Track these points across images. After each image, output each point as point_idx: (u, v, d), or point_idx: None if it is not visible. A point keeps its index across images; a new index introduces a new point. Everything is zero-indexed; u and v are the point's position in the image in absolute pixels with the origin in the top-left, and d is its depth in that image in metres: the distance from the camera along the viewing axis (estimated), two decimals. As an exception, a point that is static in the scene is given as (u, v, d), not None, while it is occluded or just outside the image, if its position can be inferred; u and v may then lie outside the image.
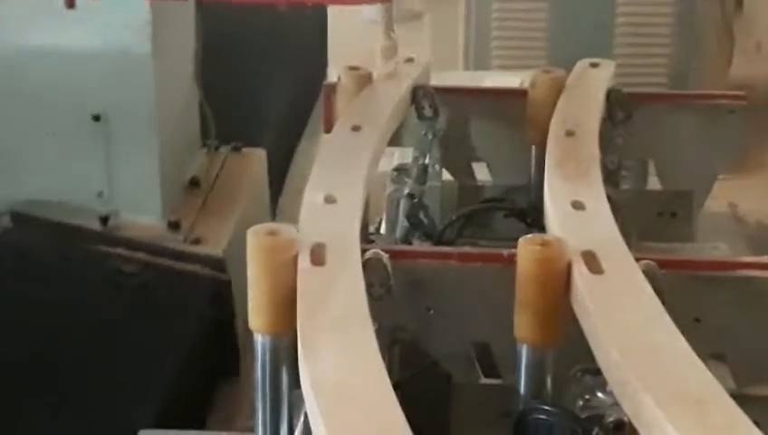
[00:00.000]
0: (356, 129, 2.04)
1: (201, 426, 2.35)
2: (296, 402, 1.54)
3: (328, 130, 2.21)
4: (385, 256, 1.65)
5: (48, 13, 2.56)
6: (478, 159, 2.35)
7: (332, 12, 4.05)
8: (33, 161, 2.66)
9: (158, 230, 2.63)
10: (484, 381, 1.81)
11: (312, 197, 1.78)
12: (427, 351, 1.72)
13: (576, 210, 1.78)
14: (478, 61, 4.59)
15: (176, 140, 2.75)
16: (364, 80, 2.23)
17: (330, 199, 1.77)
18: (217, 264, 2.54)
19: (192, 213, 2.73)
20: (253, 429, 1.60)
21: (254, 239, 1.54)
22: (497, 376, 1.78)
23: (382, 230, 2.26)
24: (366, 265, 1.62)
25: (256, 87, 3.22)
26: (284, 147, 3.25)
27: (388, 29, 4.98)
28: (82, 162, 2.66)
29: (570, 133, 2.03)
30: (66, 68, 2.61)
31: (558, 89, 2.19)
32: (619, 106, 2.18)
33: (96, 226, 2.64)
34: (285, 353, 1.57)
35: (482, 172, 2.37)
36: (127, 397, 2.21)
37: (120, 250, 2.54)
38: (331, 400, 1.30)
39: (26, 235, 2.55)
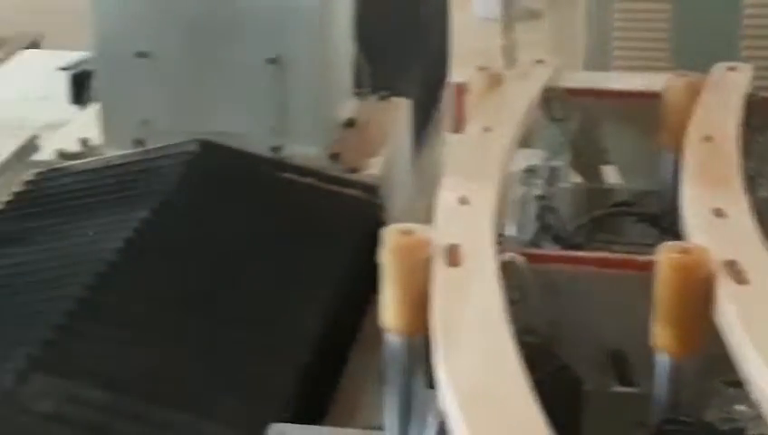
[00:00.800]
0: (488, 130, 1.54)
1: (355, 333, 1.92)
2: (428, 402, 1.14)
3: (455, 128, 1.74)
4: (520, 259, 1.13)
5: None
6: (608, 162, 1.81)
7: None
8: (217, 97, 2.25)
9: (322, 161, 2.23)
10: (617, 389, 1.32)
11: (446, 197, 1.28)
12: (557, 355, 1.20)
13: (717, 218, 1.26)
14: (598, 61, 3.91)
15: (336, 85, 2.34)
16: (495, 80, 1.69)
17: (464, 201, 1.27)
18: (372, 189, 2.19)
19: (349, 147, 2.30)
20: (383, 427, 1.23)
21: (390, 238, 1.09)
22: (631, 384, 1.29)
23: (507, 232, 1.73)
24: (501, 267, 1.11)
25: (404, 44, 2.77)
26: (425, 102, 2.78)
27: (509, 28, 4.31)
28: (258, 100, 2.24)
29: (708, 139, 1.49)
30: (250, 15, 2.19)
31: (693, 93, 1.63)
32: (758, 112, 1.61)
33: (268, 155, 2.23)
34: (417, 353, 1.18)
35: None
36: (296, 307, 1.83)
37: (291, 175, 2.16)
38: (471, 401, 0.96)
39: (212, 159, 2.13)
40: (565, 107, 1.66)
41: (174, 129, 2.22)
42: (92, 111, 2.45)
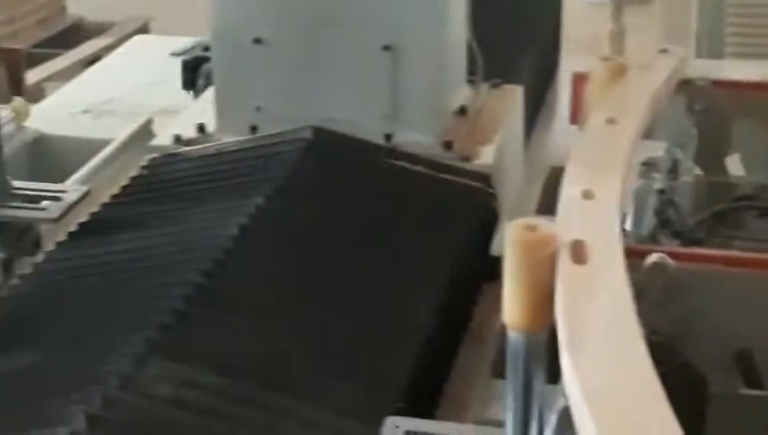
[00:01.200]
0: (611, 121, 1.50)
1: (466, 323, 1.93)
2: (550, 398, 1.12)
3: (574, 119, 1.71)
4: (670, 262, 1.11)
5: None
6: (731, 154, 1.77)
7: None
8: (331, 84, 2.25)
9: (434, 149, 2.22)
10: (744, 391, 1.29)
11: (569, 191, 1.26)
12: (681, 353, 1.18)
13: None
14: (711, 49, 3.82)
15: (449, 72, 2.31)
16: (617, 71, 1.66)
17: (588, 195, 1.25)
18: (485, 178, 2.16)
19: (461, 136, 2.28)
20: (504, 424, 1.18)
21: (513, 233, 1.09)
22: (760, 386, 1.26)
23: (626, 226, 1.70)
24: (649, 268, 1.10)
25: (516, 30, 2.75)
26: (536, 89, 2.74)
27: (618, 13, 4.23)
28: (371, 87, 2.24)
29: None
30: (366, 2, 2.20)
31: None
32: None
33: (381, 142, 2.24)
34: (538, 350, 1.15)
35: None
36: (407, 296, 1.83)
37: (403, 163, 2.16)
38: (599, 399, 0.93)
39: (325, 145, 2.14)
40: (707, 98, 1.63)
41: (287, 115, 2.23)
42: (208, 96, 2.48)
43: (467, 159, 2.19)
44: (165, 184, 2.14)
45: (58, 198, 2.00)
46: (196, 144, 2.27)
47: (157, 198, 2.08)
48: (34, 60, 5.28)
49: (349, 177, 2.09)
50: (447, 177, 2.14)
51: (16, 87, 1.98)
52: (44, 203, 1.99)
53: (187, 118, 2.39)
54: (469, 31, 2.35)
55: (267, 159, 2.11)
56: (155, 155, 2.25)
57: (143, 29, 5.92)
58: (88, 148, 2.65)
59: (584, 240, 1.14)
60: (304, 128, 2.15)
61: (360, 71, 2.21)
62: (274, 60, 2.24)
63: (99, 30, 5.84)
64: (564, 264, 1.12)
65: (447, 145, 2.21)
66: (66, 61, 5.33)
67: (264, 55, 2.23)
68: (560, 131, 2.83)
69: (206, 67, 2.85)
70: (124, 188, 2.14)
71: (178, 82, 2.93)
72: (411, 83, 2.20)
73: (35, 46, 5.60)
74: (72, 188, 2.06)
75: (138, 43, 3.52)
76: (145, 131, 2.69)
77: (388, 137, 2.22)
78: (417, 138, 2.21)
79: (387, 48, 2.18)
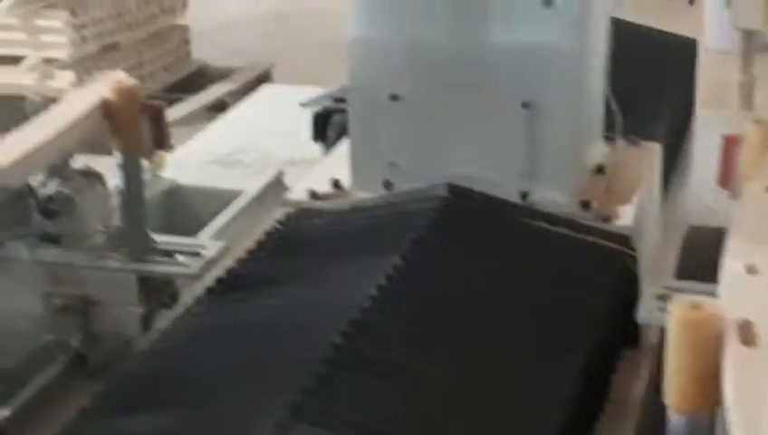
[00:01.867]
0: None
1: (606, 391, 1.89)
2: None
3: (724, 183, 1.67)
4: None
5: (494, 12, 2.14)
6: None
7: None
8: (467, 141, 2.23)
9: (572, 208, 2.18)
10: None
11: (732, 266, 1.22)
12: None
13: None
14: None
15: (587, 129, 2.29)
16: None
17: (752, 270, 1.20)
18: (625, 240, 2.11)
19: (599, 195, 2.24)
20: None
21: (678, 312, 1.05)
22: None
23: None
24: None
25: (652, 87, 2.71)
26: (671, 146, 2.68)
27: (747, 63, 4.12)
28: (508, 144, 2.21)
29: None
30: (506, 59, 2.16)
31: None
32: None
33: (517, 200, 2.20)
34: (700, 431, 1.13)
35: None
36: (548, 361, 1.79)
37: (542, 223, 2.12)
38: None
39: (462, 204, 2.12)
40: None
41: (422, 171, 2.22)
42: (341, 150, 2.48)
43: (606, 219, 2.15)
44: (300, 241, 2.14)
45: (197, 254, 2.01)
46: (331, 199, 2.27)
47: (293, 255, 2.08)
48: (161, 104, 5.40)
49: (486, 236, 2.06)
50: (586, 238, 2.10)
51: (159, 142, 1.99)
52: (184, 258, 2.00)
53: (320, 172, 2.39)
54: (607, 87, 2.32)
55: (403, 217, 2.09)
56: (290, 210, 2.26)
57: (265, 75, 5.99)
58: (220, 198, 2.67)
59: (752, 320, 1.11)
60: (440, 185, 2.13)
61: (497, 128, 2.19)
62: (411, 116, 2.22)
63: (222, 75, 5.92)
64: (733, 345, 1.08)
65: (585, 204, 2.17)
66: (190, 106, 5.42)
67: (400, 112, 2.22)
68: (694, 189, 2.77)
69: (336, 119, 2.86)
70: (260, 243, 2.14)
71: (307, 132, 2.94)
72: (549, 141, 2.17)
73: (162, 90, 5.70)
74: (209, 243, 2.07)
75: (265, 93, 3.55)
76: (276, 184, 2.70)
77: (524, 195, 2.19)
78: (554, 196, 2.17)
79: (525, 105, 2.15)
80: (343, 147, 2.52)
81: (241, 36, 6.92)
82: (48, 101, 1.99)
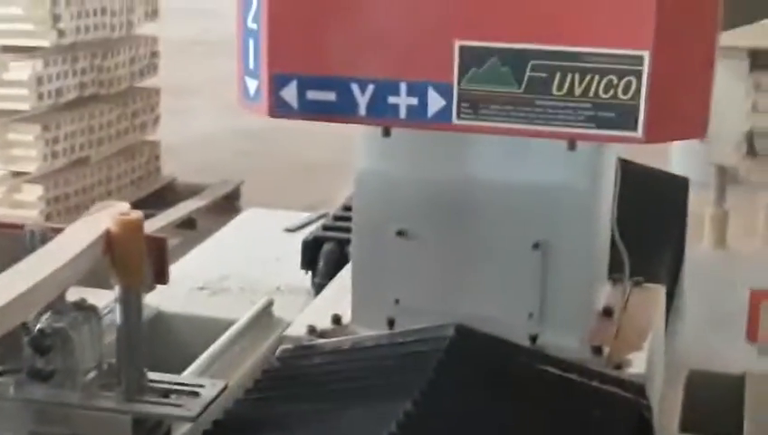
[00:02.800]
0: None
1: None
2: None
3: (752, 337, 1.61)
4: None
5: (508, 151, 2.05)
6: None
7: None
8: (474, 279, 2.15)
9: (582, 353, 2.10)
10: None
11: None
12: None
13: None
14: None
15: (597, 270, 2.22)
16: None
17: None
18: (639, 389, 2.02)
19: (609, 339, 2.16)
20: None
21: None
22: None
23: None
24: None
25: (649, 227, 2.67)
26: (669, 288, 2.61)
27: (721, 196, 4.09)
28: (518, 285, 2.12)
29: None
30: (518, 198, 2.09)
31: None
32: None
33: (526, 344, 2.11)
34: None
35: None
36: None
37: (552, 368, 2.02)
38: None
39: (470, 346, 2.01)
40: None
41: (427, 310, 2.12)
42: (340, 284, 2.39)
43: (618, 366, 2.05)
44: (301, 381, 2.03)
45: (195, 393, 1.89)
46: (331, 336, 2.17)
47: (293, 396, 1.97)
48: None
49: (497, 382, 1.96)
50: (599, 385, 2.00)
51: (160, 276, 1.89)
52: (181, 399, 1.88)
53: (319, 306, 2.29)
54: (614, 228, 2.25)
55: (410, 359, 1.99)
56: (288, 346, 2.15)
57: (235, 193, 5.92)
58: (206, 327, 2.55)
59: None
60: (446, 326, 2.03)
61: (506, 267, 2.10)
62: (417, 253, 2.14)
63: (191, 192, 5.84)
64: None
65: (597, 350, 2.08)
66: (160, 222, 5.32)
67: (406, 248, 2.13)
68: (690, 330, 2.70)
69: (326, 248, 2.78)
70: (258, 382, 2.03)
71: (295, 259, 2.84)
72: (560, 283, 2.09)
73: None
74: (208, 383, 1.95)
75: (249, 217, 3.45)
76: (266, 313, 2.60)
77: (533, 338, 2.09)
78: (565, 340, 2.09)
79: (536, 246, 2.07)
80: (341, 280, 2.43)
81: (211, 153, 6.86)
82: (47, 232, 1.88)
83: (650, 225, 2.62)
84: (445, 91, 1.75)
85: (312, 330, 2.18)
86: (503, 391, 1.95)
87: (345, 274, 2.49)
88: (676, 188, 2.99)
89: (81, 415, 1.83)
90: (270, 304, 2.63)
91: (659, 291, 2.37)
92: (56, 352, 1.83)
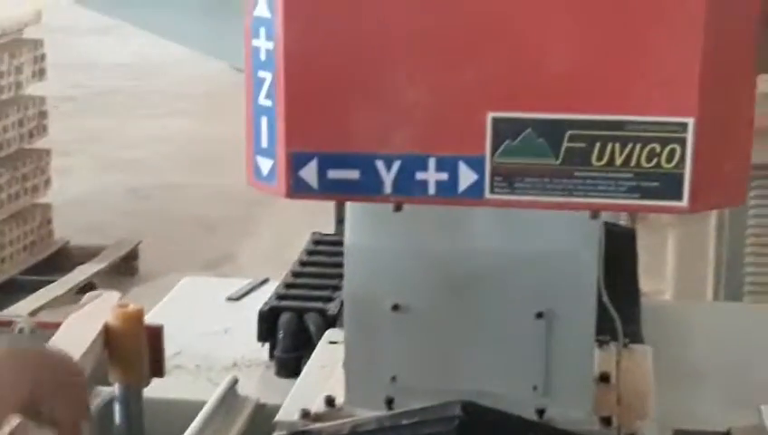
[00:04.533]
0: None
1: None
2: None
3: None
4: None
5: (507, 219, 1.93)
6: None
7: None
8: (475, 353, 2.03)
9: (591, 425, 1.99)
10: None
11: None
12: None
13: None
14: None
15: (592, 337, 2.08)
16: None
17: None
18: (656, 460, 1.90)
19: (613, 408, 2.05)
20: None
21: None
22: None
23: None
24: None
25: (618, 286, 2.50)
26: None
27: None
28: (521, 357, 2.01)
29: None
30: (520, 266, 1.99)
31: None
32: None
33: (532, 418, 2.00)
34: None
35: None
36: None
37: None
38: None
39: (481, 424, 1.91)
40: None
41: (426, 387, 2.00)
42: (319, 360, 2.26)
43: (632, 437, 1.98)
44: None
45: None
46: (326, 419, 2.03)
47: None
48: (25, 287, 5.05)
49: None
50: (615, 459, 1.92)
51: (156, 369, 1.74)
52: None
53: (307, 387, 2.16)
54: (602, 290, 2.17)
55: (420, 443, 1.89)
56: (282, 433, 2.01)
57: (133, 254, 5.72)
58: (168, 411, 2.39)
59: None
60: (451, 404, 1.92)
61: (509, 340, 1.99)
62: (414, 328, 2.01)
63: (86, 254, 5.62)
64: None
65: (606, 421, 1.98)
66: (59, 289, 5.10)
67: (402, 323, 2.01)
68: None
69: (285, 318, 2.64)
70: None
71: (244, 330, 2.70)
72: (564, 352, 1.98)
73: (23, 273, 5.36)
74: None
75: (186, 287, 3.28)
76: (230, 393, 2.44)
77: (540, 412, 1.99)
78: (571, 412, 1.98)
79: (540, 315, 1.97)
80: (321, 356, 2.30)
81: (97, 213, 6.62)
82: (36, 329, 1.71)
83: (614, 281, 2.55)
84: (477, 165, 1.63)
85: (305, 414, 2.04)
86: None
87: (321, 349, 2.37)
88: (625, 239, 2.94)
89: None
90: (235, 381, 2.48)
91: (647, 351, 2.30)
92: (54, 459, 1.67)
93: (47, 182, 5.65)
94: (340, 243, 3.10)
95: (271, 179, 1.67)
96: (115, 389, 1.72)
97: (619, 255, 2.82)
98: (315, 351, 2.36)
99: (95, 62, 11.01)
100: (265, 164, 1.67)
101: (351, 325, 2.08)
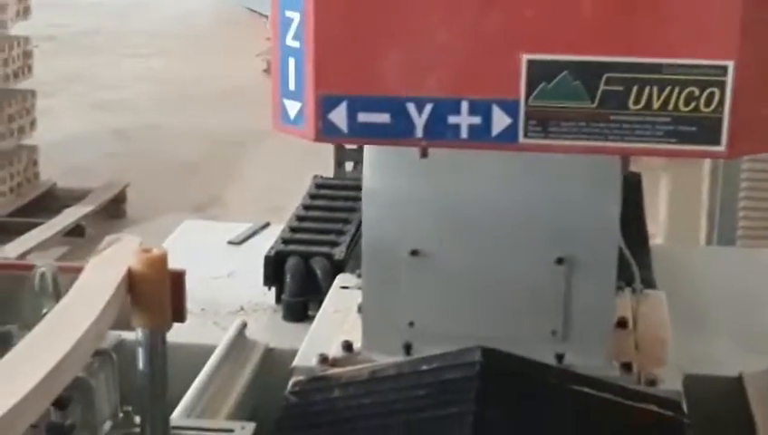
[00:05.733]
0: None
1: None
2: None
3: None
4: None
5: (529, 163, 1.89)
6: None
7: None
8: (494, 298, 2.00)
9: (611, 370, 1.97)
10: None
11: None
12: None
13: None
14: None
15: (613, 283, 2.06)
16: None
17: None
18: (677, 406, 1.91)
19: (632, 354, 2.04)
20: None
21: None
22: None
23: None
24: None
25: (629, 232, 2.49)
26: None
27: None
28: (540, 303, 1.99)
29: None
30: (536, 214, 1.96)
31: None
32: None
33: (552, 363, 1.98)
34: None
35: None
36: None
37: (585, 388, 1.89)
38: None
39: (502, 371, 1.88)
40: None
41: (444, 332, 1.97)
42: (333, 305, 2.25)
43: (652, 383, 1.95)
44: (325, 418, 1.87)
45: (226, 441, 1.73)
46: (344, 364, 2.01)
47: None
48: (12, 230, 4.99)
49: (535, 407, 1.84)
50: (635, 404, 1.89)
51: (178, 313, 1.71)
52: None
53: (323, 332, 2.14)
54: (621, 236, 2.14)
55: (440, 389, 1.85)
56: (300, 378, 1.99)
57: (121, 196, 5.66)
58: (176, 355, 2.37)
59: None
60: (471, 349, 1.89)
61: (528, 285, 1.97)
62: (433, 273, 1.99)
63: (72, 196, 5.56)
64: None
65: (627, 366, 1.97)
66: (48, 231, 5.05)
67: (421, 268, 1.98)
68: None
69: (291, 263, 2.62)
70: (280, 421, 1.86)
71: (248, 274, 2.68)
72: (585, 298, 1.96)
73: (10, 215, 5.30)
74: (237, 425, 1.79)
75: (188, 231, 3.23)
76: (240, 337, 2.42)
77: (559, 357, 1.97)
78: (590, 358, 1.96)
79: (560, 261, 1.95)
80: (334, 300, 2.28)
81: (81, 154, 6.55)
82: (57, 273, 1.68)
83: (624, 226, 2.54)
84: (511, 109, 1.60)
85: (323, 359, 2.02)
86: (544, 416, 1.83)
87: (334, 294, 2.35)
88: (632, 184, 2.92)
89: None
90: (244, 326, 2.46)
91: (661, 297, 2.28)
92: (75, 404, 1.64)
93: (33, 123, 5.57)
94: (343, 187, 3.11)
95: (298, 123, 1.64)
96: (138, 334, 1.69)
97: (627, 199, 2.81)
98: (328, 296, 2.34)
99: (76, 1, 10.86)
100: (293, 107, 1.63)
101: (369, 271, 2.05)
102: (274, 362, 2.32)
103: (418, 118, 1.62)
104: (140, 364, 1.69)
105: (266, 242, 2.81)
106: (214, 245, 3.03)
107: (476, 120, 1.61)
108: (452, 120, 1.62)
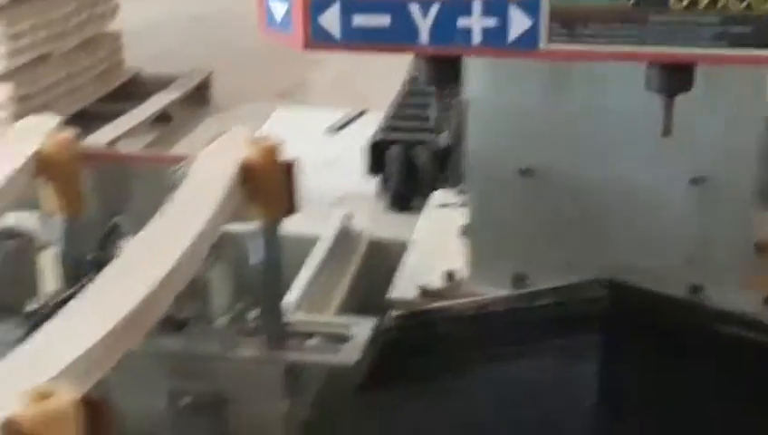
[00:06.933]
0: None
1: None
2: None
3: None
4: None
5: None
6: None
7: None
8: (618, 223, 1.84)
9: (754, 305, 1.80)
10: None
11: None
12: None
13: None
14: None
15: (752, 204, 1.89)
16: None
17: None
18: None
19: (768, 282, 1.87)
20: None
21: None
22: None
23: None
24: None
25: None
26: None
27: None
28: (672, 228, 1.83)
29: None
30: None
31: None
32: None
33: (685, 295, 1.83)
34: None
35: None
36: None
37: (734, 328, 1.71)
38: None
39: (634, 306, 1.69)
40: None
41: (560, 261, 1.81)
42: (429, 225, 2.11)
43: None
44: (428, 359, 1.74)
45: (344, 337, 1.63)
46: (447, 297, 1.85)
47: (418, 376, 1.71)
48: (99, 117, 4.91)
49: (669, 347, 1.67)
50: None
51: (291, 204, 1.62)
52: (330, 342, 1.63)
53: (421, 258, 1.97)
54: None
55: (557, 326, 1.68)
56: (401, 312, 1.82)
57: (206, 82, 5.56)
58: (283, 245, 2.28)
59: None
60: (594, 282, 1.70)
61: (659, 208, 1.81)
62: (547, 195, 1.83)
63: (158, 83, 5.46)
64: None
65: (771, 301, 1.81)
66: (135, 118, 4.97)
67: (533, 189, 1.82)
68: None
69: (394, 151, 2.53)
70: (382, 358, 1.71)
71: (346, 162, 2.65)
72: (722, 223, 1.81)
73: (96, 102, 5.23)
74: (353, 321, 1.69)
75: (282, 118, 3.14)
76: (345, 229, 2.30)
77: (695, 289, 1.82)
78: (728, 290, 1.80)
79: (695, 181, 1.79)
80: (431, 221, 2.13)
81: (161, 39, 6.43)
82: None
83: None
84: (530, 9, 1.36)
85: (425, 293, 1.86)
86: (691, 361, 1.66)
87: (431, 215, 2.16)
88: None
89: (226, 368, 1.57)
90: (350, 217, 2.34)
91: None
92: (192, 296, 1.56)
93: (114, 10, 5.43)
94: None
95: (285, 27, 1.42)
96: (253, 226, 1.60)
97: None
98: (422, 215, 2.17)
99: None
100: (279, 8, 1.42)
101: (475, 191, 1.87)
102: (380, 251, 2.19)
103: (423, 20, 1.38)
104: (257, 257, 1.60)
105: (364, 130, 2.73)
106: (310, 132, 2.94)
107: (491, 22, 1.37)
108: (462, 22, 1.38)
